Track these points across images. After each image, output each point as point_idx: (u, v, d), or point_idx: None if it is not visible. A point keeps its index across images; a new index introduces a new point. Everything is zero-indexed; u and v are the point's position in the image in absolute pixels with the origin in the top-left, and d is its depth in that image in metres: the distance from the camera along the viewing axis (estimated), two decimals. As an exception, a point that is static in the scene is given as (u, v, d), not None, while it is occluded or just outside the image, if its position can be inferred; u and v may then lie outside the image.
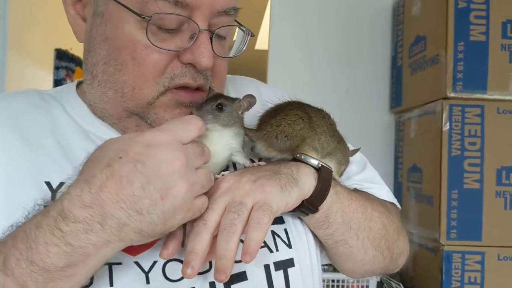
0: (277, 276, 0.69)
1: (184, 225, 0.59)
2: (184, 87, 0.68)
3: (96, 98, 0.70)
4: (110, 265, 0.61)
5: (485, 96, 1.53)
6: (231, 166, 0.74)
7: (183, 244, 0.60)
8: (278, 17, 2.10)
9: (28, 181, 0.64)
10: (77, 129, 0.71)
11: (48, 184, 0.64)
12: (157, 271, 0.63)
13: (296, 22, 2.08)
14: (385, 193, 0.86)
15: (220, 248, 0.56)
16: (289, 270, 0.70)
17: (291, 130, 0.69)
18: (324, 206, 0.68)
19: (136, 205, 0.51)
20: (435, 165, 1.56)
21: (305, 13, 2.08)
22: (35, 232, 0.52)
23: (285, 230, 0.73)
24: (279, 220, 0.73)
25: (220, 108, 0.64)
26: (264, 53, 2.19)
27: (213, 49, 0.66)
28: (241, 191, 0.60)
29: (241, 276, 0.66)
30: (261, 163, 0.69)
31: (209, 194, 0.60)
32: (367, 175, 0.87)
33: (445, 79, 1.53)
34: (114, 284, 0.61)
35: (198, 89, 0.69)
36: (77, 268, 0.52)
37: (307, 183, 0.66)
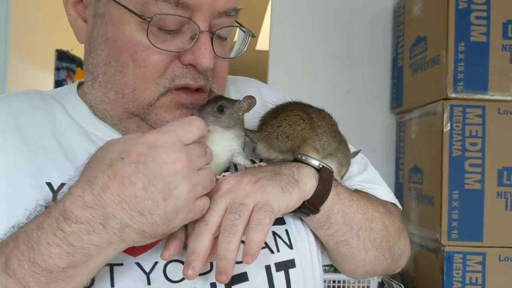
0: (278, 277, 0.69)
1: (185, 226, 0.59)
2: (185, 88, 0.68)
3: (97, 99, 0.70)
4: (111, 266, 0.61)
5: (486, 97, 1.53)
6: (232, 167, 0.74)
7: (185, 246, 0.60)
8: (279, 18, 2.10)
9: (28, 181, 0.64)
10: (78, 130, 0.71)
11: (49, 185, 0.65)
12: (158, 272, 0.63)
13: (297, 22, 2.08)
14: (386, 193, 0.86)
15: (221, 249, 0.56)
16: (290, 271, 0.70)
17: (292, 130, 0.69)
18: (325, 207, 0.68)
19: (138, 206, 0.51)
20: (436, 166, 1.56)
21: (305, 14, 2.08)
22: (37, 232, 0.52)
23: (286, 231, 0.73)
24: (280, 221, 0.73)
25: (221, 110, 0.64)
26: (265, 54, 2.19)
27: (213, 50, 0.66)
28: (242, 192, 0.60)
29: (242, 277, 0.66)
30: (262, 164, 0.69)
31: (210, 195, 0.60)
32: (368, 175, 0.87)
33: (446, 79, 1.53)
34: (115, 285, 0.61)
35: (198, 90, 0.69)
36: (79, 268, 0.52)
37: (308, 183, 0.66)
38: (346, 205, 0.71)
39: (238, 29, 0.74)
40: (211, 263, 0.65)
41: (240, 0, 0.71)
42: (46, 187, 0.64)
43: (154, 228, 0.53)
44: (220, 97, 0.67)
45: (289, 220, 0.74)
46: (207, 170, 0.57)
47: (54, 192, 0.64)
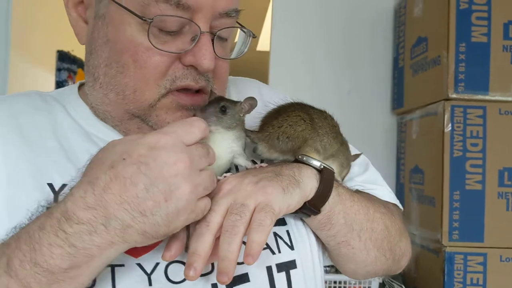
0: (280, 278, 0.69)
1: (187, 227, 0.59)
2: (186, 89, 0.68)
3: (98, 100, 0.70)
4: (112, 267, 0.61)
5: (487, 97, 1.52)
6: (233, 168, 0.74)
7: (186, 247, 0.60)
8: (280, 19, 2.10)
9: (29, 182, 0.64)
10: (79, 131, 0.71)
11: (50, 185, 0.65)
12: (159, 273, 0.63)
13: (297, 23, 2.09)
14: (387, 194, 0.85)
15: (223, 250, 0.56)
16: (292, 271, 0.70)
17: (293, 131, 0.69)
18: (326, 208, 0.68)
19: (140, 207, 0.51)
20: (437, 166, 1.56)
21: (306, 14, 2.08)
22: (38, 233, 0.52)
23: (287, 232, 0.73)
24: (281, 222, 0.73)
25: (223, 110, 0.64)
26: (265, 55, 2.19)
27: (214, 51, 0.66)
28: (243, 192, 0.60)
29: (244, 278, 0.66)
30: (263, 164, 0.69)
31: (211, 195, 0.60)
32: (369, 176, 0.87)
33: (446, 80, 1.53)
34: (116, 286, 0.61)
35: (199, 91, 0.69)
36: (81, 269, 0.52)
37: (309, 184, 0.66)
38: (347, 206, 0.71)
39: (239, 30, 0.74)
40: (213, 264, 0.65)
41: (241, 1, 0.71)
42: (48, 188, 0.64)
43: (156, 229, 0.53)
44: (222, 98, 0.67)
45: (290, 221, 0.74)
46: (209, 171, 0.57)
47: (56, 193, 0.64)
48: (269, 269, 0.68)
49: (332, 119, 0.75)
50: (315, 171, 0.68)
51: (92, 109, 0.73)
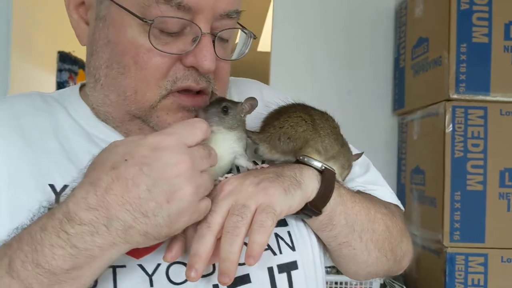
0: (281, 279, 0.68)
1: (187, 228, 0.59)
2: (187, 90, 0.68)
3: (99, 101, 0.70)
4: (114, 268, 0.61)
5: (488, 98, 1.53)
6: (234, 169, 0.74)
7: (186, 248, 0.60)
8: (281, 19, 2.10)
9: (31, 182, 0.64)
10: (80, 131, 0.71)
11: (51, 186, 0.65)
12: (160, 274, 0.63)
13: (298, 24, 2.09)
14: (388, 195, 0.85)
15: (224, 251, 0.56)
16: (293, 272, 0.70)
17: (294, 132, 0.69)
18: (327, 209, 0.68)
19: (142, 208, 0.52)
20: (438, 167, 1.56)
21: (307, 15, 2.08)
22: (40, 234, 0.52)
23: (289, 233, 0.73)
24: (282, 223, 0.73)
25: (225, 111, 0.64)
26: (266, 55, 2.19)
27: (215, 52, 0.66)
28: (244, 193, 0.60)
29: (245, 279, 0.66)
30: (264, 165, 0.69)
31: (212, 196, 0.60)
32: (370, 177, 0.87)
33: (447, 80, 1.53)
34: (118, 287, 0.61)
35: (200, 92, 0.69)
36: (83, 270, 0.52)
37: (311, 185, 0.66)
38: (349, 207, 0.71)
39: (240, 31, 0.74)
40: (214, 265, 0.65)
41: (242, 2, 0.71)
42: (49, 189, 0.64)
43: (158, 230, 0.53)
44: (223, 99, 0.67)
45: (291, 221, 0.74)
46: (207, 173, 0.58)
47: (57, 194, 0.64)
48: (270, 270, 0.68)
49: (333, 120, 0.75)
50: (316, 172, 0.68)
51: (93, 110, 0.73)
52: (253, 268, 0.66)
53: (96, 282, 0.60)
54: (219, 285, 0.64)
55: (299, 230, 0.74)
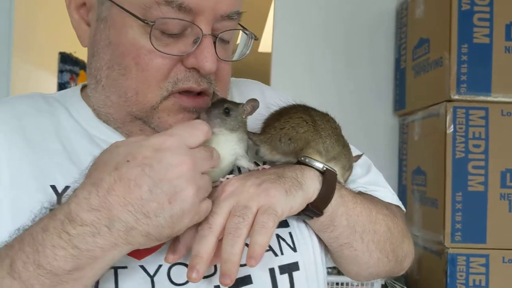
0: (282, 280, 0.68)
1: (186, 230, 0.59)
2: (188, 92, 0.68)
3: (100, 102, 0.71)
4: (115, 269, 0.61)
5: (489, 99, 1.52)
6: (235, 170, 0.74)
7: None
8: (281, 20, 2.10)
9: (32, 183, 0.64)
10: (82, 132, 0.71)
11: (53, 187, 0.65)
12: (162, 275, 0.63)
13: (299, 24, 2.09)
14: (389, 195, 0.85)
15: (225, 252, 0.56)
16: (294, 273, 0.70)
17: (295, 133, 0.69)
18: (329, 210, 0.68)
19: (144, 208, 0.52)
20: (439, 168, 1.56)
21: (308, 16, 2.08)
22: (42, 235, 0.52)
23: (290, 234, 0.73)
24: (283, 224, 0.73)
25: (227, 112, 0.64)
26: (267, 56, 2.19)
27: (216, 53, 0.66)
28: (246, 195, 0.60)
29: (246, 280, 0.66)
30: (266, 166, 0.69)
31: (213, 197, 0.60)
32: (371, 177, 0.87)
33: (449, 81, 1.53)
34: (119, 288, 0.61)
35: (201, 93, 0.69)
36: (84, 271, 0.53)
37: (312, 186, 0.66)
38: (350, 208, 0.71)
39: (241, 32, 0.74)
40: (215, 266, 0.65)
41: (243, 3, 0.71)
42: (51, 190, 0.64)
43: (160, 231, 0.53)
44: (225, 100, 0.67)
45: (292, 222, 0.74)
46: (207, 174, 0.58)
47: (59, 195, 0.64)
48: (271, 271, 0.68)
49: (334, 121, 0.75)
50: (317, 173, 0.68)
51: (94, 111, 0.73)
52: (255, 269, 0.66)
53: (97, 283, 0.60)
54: (221, 286, 0.64)
55: (300, 231, 0.74)
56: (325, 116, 0.74)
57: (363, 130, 2.01)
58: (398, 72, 2.04)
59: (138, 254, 0.62)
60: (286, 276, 0.69)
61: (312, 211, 0.66)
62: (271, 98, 0.80)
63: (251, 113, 0.68)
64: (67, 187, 0.64)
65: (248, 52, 0.75)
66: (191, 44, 0.66)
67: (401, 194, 1.93)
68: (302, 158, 0.70)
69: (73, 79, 3.68)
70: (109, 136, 0.71)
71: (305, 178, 0.66)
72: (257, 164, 0.72)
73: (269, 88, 0.93)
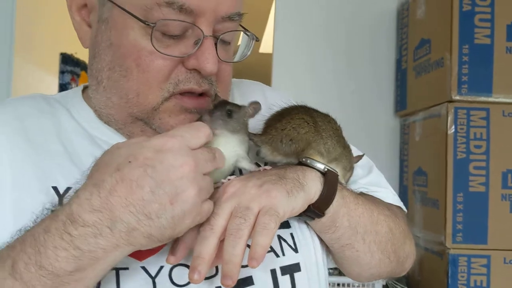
0: (284, 281, 0.68)
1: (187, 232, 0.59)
2: (189, 93, 0.68)
3: (101, 103, 0.71)
4: (117, 270, 0.61)
5: (490, 99, 1.52)
6: (237, 171, 0.74)
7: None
8: (282, 21, 2.10)
9: (34, 184, 0.64)
10: (83, 134, 0.71)
11: (55, 189, 0.65)
12: (163, 276, 0.63)
13: (300, 25, 2.09)
14: (391, 196, 0.85)
15: (227, 253, 0.56)
16: (296, 274, 0.70)
17: (296, 133, 0.69)
18: (330, 211, 0.68)
19: (146, 209, 0.52)
20: (440, 168, 1.56)
21: (309, 16, 2.08)
22: (43, 236, 0.52)
23: (291, 235, 0.73)
24: (285, 225, 0.73)
25: (229, 114, 0.64)
26: (268, 57, 2.19)
27: (217, 55, 0.66)
28: (247, 196, 0.60)
29: (248, 281, 0.66)
30: (267, 167, 0.69)
31: (215, 198, 0.60)
32: (373, 178, 0.86)
33: (450, 82, 1.53)
34: (121, 289, 0.61)
35: (202, 94, 0.69)
36: (86, 272, 0.53)
37: (313, 187, 0.66)
38: (352, 209, 0.71)
39: (242, 33, 0.74)
40: (217, 267, 0.65)
41: (244, 3, 0.71)
42: (52, 191, 0.64)
43: (161, 232, 0.53)
44: (227, 102, 0.67)
45: (294, 223, 0.74)
46: (209, 176, 0.58)
47: (60, 196, 0.64)
48: (273, 272, 0.68)
49: (335, 122, 0.75)
50: (319, 174, 0.68)
51: (95, 112, 0.73)
52: (256, 270, 0.66)
53: (99, 284, 0.60)
54: (222, 287, 0.64)
55: (301, 232, 0.74)
56: (326, 117, 0.74)
57: (364, 130, 2.01)
58: (399, 73, 2.04)
59: (139, 255, 0.62)
60: (287, 277, 0.69)
61: (313, 212, 0.66)
62: (272, 99, 0.80)
63: (253, 115, 0.68)
64: (68, 188, 0.65)
65: (249, 53, 0.75)
66: (192, 46, 0.66)
67: (402, 195, 1.93)
68: (304, 159, 0.70)
69: (74, 80, 3.68)
70: (110, 137, 0.71)
71: (306, 179, 0.66)
72: (259, 165, 0.72)
73: (270, 89, 0.93)
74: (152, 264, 0.63)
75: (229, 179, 0.65)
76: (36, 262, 0.51)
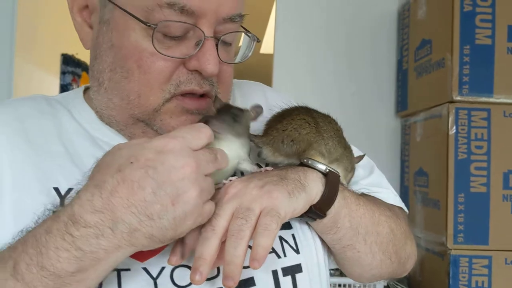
0: (285, 282, 0.68)
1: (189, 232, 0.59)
2: (190, 94, 0.68)
3: (103, 104, 0.71)
4: (118, 271, 0.61)
5: (491, 100, 1.52)
6: (238, 172, 0.74)
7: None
8: (283, 21, 2.10)
9: (35, 185, 0.64)
10: (84, 135, 0.71)
11: (56, 190, 0.65)
12: (165, 277, 0.63)
13: (301, 26, 2.09)
14: (392, 197, 0.85)
15: (228, 254, 0.56)
16: (297, 275, 0.70)
17: (297, 134, 0.69)
18: (332, 211, 0.68)
19: (147, 210, 0.52)
20: (441, 169, 1.56)
21: (310, 17, 2.08)
22: (45, 237, 0.52)
23: (293, 236, 0.73)
24: (286, 226, 0.73)
25: (234, 118, 0.65)
26: (269, 57, 2.19)
27: (218, 56, 0.66)
28: (248, 196, 0.60)
29: (249, 282, 0.66)
30: (268, 168, 0.69)
31: (216, 199, 0.60)
32: (374, 179, 0.86)
33: (451, 82, 1.53)
34: (122, 290, 0.61)
35: (204, 95, 0.69)
36: (88, 273, 0.53)
37: (315, 188, 0.66)
38: (353, 209, 0.71)
39: (243, 34, 0.74)
40: (218, 268, 0.65)
41: (245, 4, 0.71)
42: (53, 192, 0.64)
43: (163, 233, 0.53)
44: (231, 106, 0.67)
45: (295, 224, 0.74)
46: (210, 177, 0.58)
47: (62, 197, 0.64)
48: (274, 273, 0.68)
49: (336, 123, 0.75)
50: (320, 175, 0.68)
51: (97, 113, 0.73)
52: (258, 271, 0.66)
53: (100, 285, 0.60)
54: (224, 288, 0.64)
55: (303, 233, 0.74)
56: (327, 118, 0.73)
57: (365, 131, 2.01)
58: (400, 73, 2.04)
59: (141, 256, 0.62)
60: (289, 278, 0.69)
61: (315, 213, 0.66)
62: (273, 100, 0.80)
63: (255, 118, 0.68)
64: (70, 189, 0.65)
65: (250, 54, 0.75)
66: (193, 47, 0.66)
67: (403, 195, 1.93)
68: (305, 160, 0.70)
69: (75, 80, 3.69)
70: (112, 138, 0.71)
71: (308, 180, 0.66)
72: (260, 166, 0.72)
73: (271, 90, 0.93)
74: (154, 265, 0.63)
75: (230, 180, 0.65)
76: (37, 263, 0.51)
